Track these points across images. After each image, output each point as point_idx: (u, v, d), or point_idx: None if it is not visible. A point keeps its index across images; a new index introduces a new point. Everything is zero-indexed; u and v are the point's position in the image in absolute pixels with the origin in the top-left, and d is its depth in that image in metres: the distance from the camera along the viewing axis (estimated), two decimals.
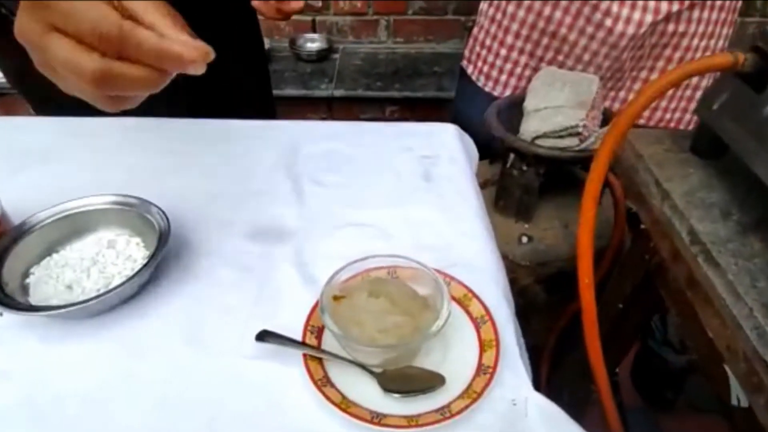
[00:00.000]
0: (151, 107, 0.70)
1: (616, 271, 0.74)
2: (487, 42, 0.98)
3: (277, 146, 0.68)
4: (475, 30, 1.02)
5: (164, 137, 0.69)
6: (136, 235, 0.54)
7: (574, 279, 0.61)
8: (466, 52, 1.06)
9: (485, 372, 0.40)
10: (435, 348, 0.43)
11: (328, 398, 0.38)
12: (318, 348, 0.42)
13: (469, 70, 1.05)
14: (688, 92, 0.95)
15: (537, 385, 0.42)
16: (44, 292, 0.48)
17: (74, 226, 0.53)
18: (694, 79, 0.94)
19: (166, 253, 0.50)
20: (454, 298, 0.46)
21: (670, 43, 0.89)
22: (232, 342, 0.44)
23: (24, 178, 0.62)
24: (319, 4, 0.88)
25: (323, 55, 1.85)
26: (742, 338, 0.42)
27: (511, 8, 0.90)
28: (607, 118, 0.87)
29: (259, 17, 0.84)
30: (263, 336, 0.43)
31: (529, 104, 0.85)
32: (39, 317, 0.46)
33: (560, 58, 0.91)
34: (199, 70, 0.31)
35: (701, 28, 0.87)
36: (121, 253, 0.52)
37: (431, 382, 0.40)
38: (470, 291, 0.46)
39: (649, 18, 0.82)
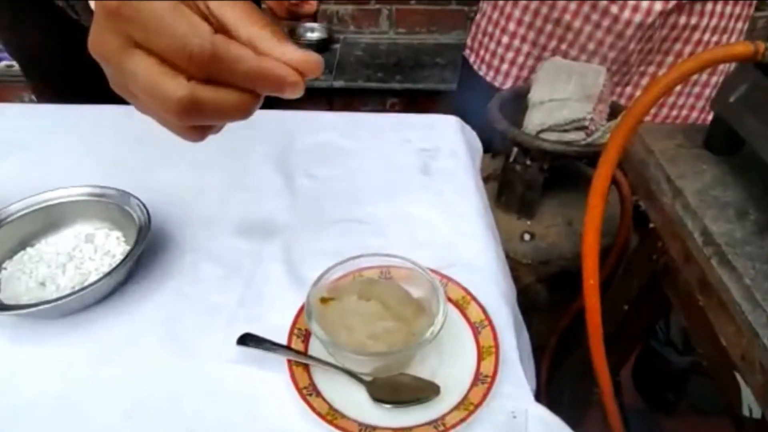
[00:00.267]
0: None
1: (622, 271, 0.71)
2: (489, 29, 0.94)
3: (269, 137, 0.65)
4: (478, 16, 0.98)
5: (152, 127, 0.66)
6: (116, 229, 0.51)
7: (576, 278, 0.58)
8: (469, 41, 1.02)
9: (483, 381, 0.37)
10: (430, 355, 0.40)
11: (313, 409, 0.36)
12: (304, 353, 0.40)
13: (471, 59, 1.01)
14: (697, 89, 0.91)
15: (537, 385, 0.39)
16: (15, 289, 0.45)
17: (50, 218, 0.50)
18: (703, 76, 0.90)
19: (146, 248, 0.47)
20: (451, 301, 0.43)
21: (680, 37, 0.85)
22: (213, 345, 0.41)
23: (1, 168, 0.59)
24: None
25: (323, 45, 1.82)
26: (759, 348, 0.40)
27: None
28: (614, 111, 0.83)
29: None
30: (245, 339, 0.40)
31: (533, 96, 0.81)
32: (8, 316, 0.43)
33: (563, 46, 0.87)
34: (297, 93, 0.26)
35: (713, 22, 0.83)
36: (99, 248, 0.49)
37: (425, 391, 0.37)
38: (468, 293, 0.43)
39: (658, 6, 0.78)
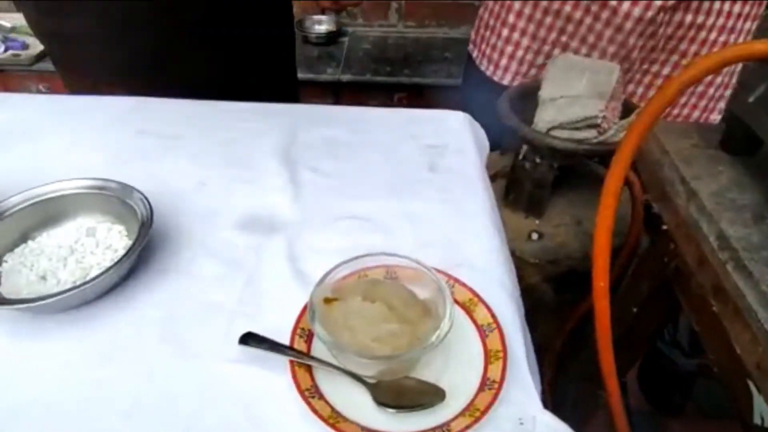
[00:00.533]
0: (189, 82, 0.67)
1: (632, 273, 0.70)
2: (491, 22, 0.93)
3: (273, 131, 0.64)
4: (481, 10, 0.97)
5: (154, 118, 0.66)
6: (118, 223, 0.50)
7: (584, 279, 0.57)
8: (472, 35, 1.00)
9: (490, 387, 0.36)
10: (435, 358, 0.39)
11: (315, 411, 0.35)
12: (307, 354, 0.39)
13: (474, 54, 0.99)
14: (700, 87, 0.89)
15: (541, 387, 0.38)
16: (16, 282, 0.45)
17: (52, 211, 0.49)
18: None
19: (147, 243, 0.46)
20: (458, 303, 0.42)
21: (686, 36, 0.82)
22: (214, 344, 0.40)
23: (1, 159, 0.59)
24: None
25: (331, 38, 1.80)
26: None
27: None
28: (627, 109, 0.81)
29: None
30: (247, 339, 0.39)
31: (544, 92, 0.80)
32: (8, 310, 0.42)
33: (564, 38, 0.86)
34: None
35: (720, 21, 0.81)
36: (101, 242, 0.49)
37: (430, 396, 0.36)
38: (476, 295, 0.42)
39: (658, 1, 0.76)
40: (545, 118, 0.77)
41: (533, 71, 0.91)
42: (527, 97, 0.83)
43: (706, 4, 0.78)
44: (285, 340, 0.39)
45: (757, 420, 0.50)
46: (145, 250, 0.47)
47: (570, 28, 0.84)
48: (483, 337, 0.40)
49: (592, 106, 0.75)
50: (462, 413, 0.35)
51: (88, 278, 0.43)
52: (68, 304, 0.43)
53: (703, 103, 0.91)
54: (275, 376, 0.38)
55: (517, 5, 0.86)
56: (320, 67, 1.70)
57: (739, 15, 0.81)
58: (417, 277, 0.41)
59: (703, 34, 0.82)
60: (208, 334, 0.41)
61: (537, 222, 0.85)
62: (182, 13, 0.69)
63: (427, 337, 0.36)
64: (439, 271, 0.42)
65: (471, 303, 0.42)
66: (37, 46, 1.69)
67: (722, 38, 0.83)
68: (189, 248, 0.49)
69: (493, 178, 0.88)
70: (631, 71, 0.88)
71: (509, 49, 0.91)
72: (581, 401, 0.84)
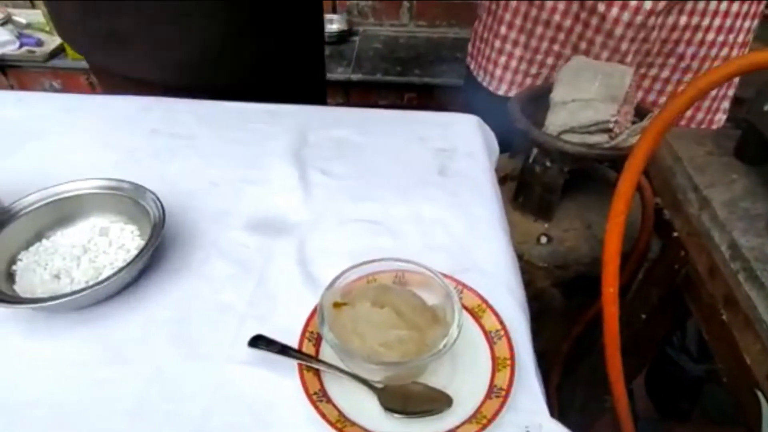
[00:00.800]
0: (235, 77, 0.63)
1: (641, 280, 0.69)
2: (485, 35, 0.94)
3: (284, 132, 0.64)
4: (476, 23, 0.98)
5: (167, 118, 0.66)
6: (131, 223, 0.51)
7: (593, 284, 0.56)
8: (469, 48, 1.02)
9: (497, 395, 0.36)
10: (443, 364, 0.39)
11: (322, 415, 0.35)
12: (315, 358, 0.39)
13: (472, 66, 1.01)
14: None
15: (546, 391, 0.38)
16: (30, 281, 0.45)
17: (66, 210, 0.50)
18: None
19: (159, 243, 0.46)
20: (466, 309, 0.42)
21: (682, 39, 0.81)
22: (223, 345, 0.41)
23: (16, 158, 0.60)
24: None
25: (342, 37, 1.80)
26: None
27: None
28: (639, 113, 0.81)
29: None
30: (256, 341, 0.39)
31: (556, 95, 0.79)
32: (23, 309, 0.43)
33: (556, 47, 0.86)
34: None
35: (717, 21, 0.79)
36: (114, 242, 0.49)
37: (437, 402, 0.36)
38: (484, 301, 0.42)
39: (647, 4, 0.75)
40: (556, 121, 0.77)
41: (528, 80, 0.92)
42: (538, 100, 0.83)
43: (700, 6, 0.77)
44: (294, 342, 0.40)
45: (766, 430, 0.50)
46: (157, 251, 0.48)
47: (561, 36, 0.84)
48: (491, 344, 0.40)
49: (605, 110, 0.74)
50: (469, 420, 0.35)
51: (100, 278, 0.44)
52: (81, 304, 0.43)
53: (706, 103, 0.90)
54: (284, 379, 0.38)
55: (508, 17, 0.87)
56: (331, 66, 1.70)
57: (737, 14, 0.79)
58: (425, 282, 0.41)
59: (700, 34, 0.80)
60: (218, 336, 0.42)
61: (546, 225, 0.85)
62: (234, 8, 0.69)
63: (435, 344, 0.36)
64: (447, 276, 0.42)
65: (479, 309, 0.42)
66: (51, 43, 1.71)
67: (721, 38, 0.81)
68: (200, 249, 0.49)
69: (502, 180, 0.88)
70: None
71: (503, 59, 0.91)
72: (588, 406, 0.84)
